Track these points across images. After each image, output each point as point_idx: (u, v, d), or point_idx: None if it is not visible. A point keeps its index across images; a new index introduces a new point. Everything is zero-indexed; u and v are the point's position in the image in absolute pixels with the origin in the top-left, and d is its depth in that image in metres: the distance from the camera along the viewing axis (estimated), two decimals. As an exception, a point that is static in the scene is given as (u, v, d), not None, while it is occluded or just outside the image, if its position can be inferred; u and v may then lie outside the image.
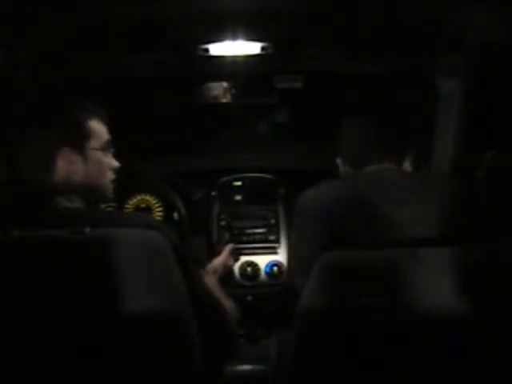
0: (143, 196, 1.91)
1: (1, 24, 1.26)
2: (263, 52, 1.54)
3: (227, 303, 1.28)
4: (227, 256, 1.68)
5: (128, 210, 1.86)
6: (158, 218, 1.86)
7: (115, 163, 1.22)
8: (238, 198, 2.00)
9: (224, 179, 2.01)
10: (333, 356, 0.90)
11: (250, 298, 1.82)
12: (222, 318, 1.23)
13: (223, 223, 1.95)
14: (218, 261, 1.61)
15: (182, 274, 1.04)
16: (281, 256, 1.87)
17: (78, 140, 1.13)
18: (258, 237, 1.90)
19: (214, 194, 1.99)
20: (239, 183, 2.01)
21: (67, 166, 1.11)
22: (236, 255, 1.82)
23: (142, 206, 1.90)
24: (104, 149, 1.18)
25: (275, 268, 1.84)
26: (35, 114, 1.22)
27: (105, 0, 1.26)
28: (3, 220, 1.02)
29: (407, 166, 1.20)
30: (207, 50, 1.53)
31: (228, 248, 1.71)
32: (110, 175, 1.20)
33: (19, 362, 0.96)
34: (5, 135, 1.30)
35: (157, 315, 0.97)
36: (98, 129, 1.18)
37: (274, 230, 1.92)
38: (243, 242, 1.90)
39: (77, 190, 1.12)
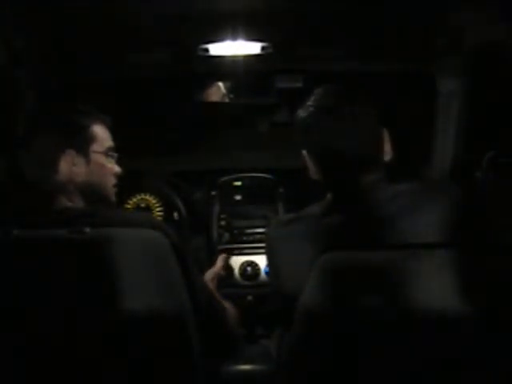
0: (143, 196, 1.91)
1: (1, 24, 1.26)
2: (263, 52, 1.54)
3: (227, 305, 1.29)
4: (221, 267, 1.55)
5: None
6: (158, 217, 1.86)
7: (118, 169, 1.23)
8: (238, 198, 1.99)
9: (224, 179, 2.00)
10: (332, 356, 0.90)
11: (250, 298, 1.82)
12: (223, 317, 1.23)
13: (223, 223, 1.94)
14: (213, 271, 1.49)
15: (183, 274, 1.04)
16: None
17: (82, 143, 1.15)
18: (258, 237, 1.90)
19: (213, 193, 1.99)
20: (239, 183, 2.00)
21: (70, 167, 1.12)
22: (227, 264, 1.76)
23: (142, 205, 1.90)
24: (107, 153, 1.19)
25: (275, 268, 1.84)
26: (39, 115, 1.23)
27: (105, 0, 1.26)
28: (4, 220, 1.02)
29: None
30: (207, 50, 1.53)
31: (221, 258, 1.57)
32: (113, 180, 1.21)
33: (19, 361, 0.96)
34: (7, 136, 1.30)
35: (157, 315, 0.97)
36: (102, 133, 1.19)
37: None
38: (243, 242, 1.90)
39: (79, 190, 1.13)
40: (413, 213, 0.98)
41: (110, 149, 1.20)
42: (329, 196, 1.12)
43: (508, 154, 1.35)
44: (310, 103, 1.11)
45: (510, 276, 0.87)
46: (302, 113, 1.12)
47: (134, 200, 1.90)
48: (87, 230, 0.96)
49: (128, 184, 1.29)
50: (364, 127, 1.08)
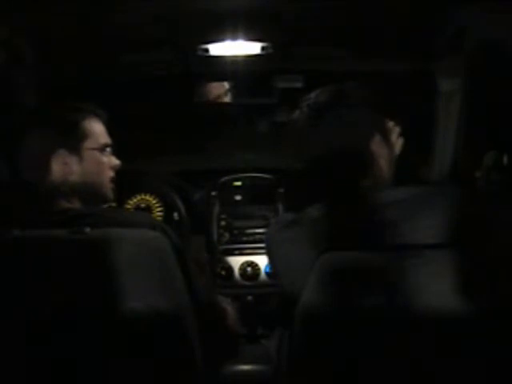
0: (143, 196, 1.91)
1: (1, 24, 1.26)
2: (263, 52, 1.54)
3: (227, 305, 1.29)
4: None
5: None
6: (158, 217, 1.86)
7: (115, 161, 1.19)
8: (238, 198, 2.00)
9: (224, 179, 2.01)
10: (333, 356, 0.90)
11: (250, 298, 1.82)
12: (222, 317, 1.23)
13: (223, 223, 1.95)
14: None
15: (183, 274, 1.04)
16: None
17: (73, 140, 1.11)
18: (257, 237, 1.90)
19: (213, 193, 1.99)
20: (239, 183, 2.01)
21: (62, 167, 1.09)
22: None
23: (142, 205, 1.90)
24: (102, 148, 1.15)
25: (275, 268, 1.84)
26: (31, 114, 1.22)
27: (105, 0, 1.26)
28: (3, 220, 1.02)
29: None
30: (207, 50, 1.53)
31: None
32: (110, 174, 1.17)
33: (19, 361, 0.96)
34: (5, 135, 1.30)
35: (157, 315, 0.97)
36: (95, 128, 1.14)
37: None
38: (243, 242, 1.90)
39: (75, 191, 1.11)
40: (413, 216, 0.97)
41: (105, 145, 1.15)
42: (327, 198, 1.12)
43: (508, 154, 1.35)
44: (302, 107, 1.11)
45: (510, 276, 0.87)
46: (294, 115, 1.12)
47: (134, 200, 1.90)
48: (87, 229, 0.96)
49: (128, 184, 1.28)
50: (358, 129, 1.08)
